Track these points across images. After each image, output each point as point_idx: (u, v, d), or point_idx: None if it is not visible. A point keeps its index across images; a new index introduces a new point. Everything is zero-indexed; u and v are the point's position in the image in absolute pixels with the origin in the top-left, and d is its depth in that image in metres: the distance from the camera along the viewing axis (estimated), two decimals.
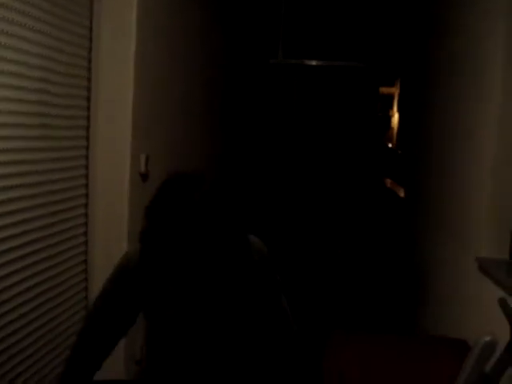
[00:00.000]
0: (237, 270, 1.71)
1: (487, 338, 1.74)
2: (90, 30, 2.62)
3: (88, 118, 2.66)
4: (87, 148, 2.68)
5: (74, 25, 2.47)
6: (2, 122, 2.01)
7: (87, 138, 2.68)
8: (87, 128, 2.67)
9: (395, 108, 7.71)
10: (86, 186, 2.70)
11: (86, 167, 2.69)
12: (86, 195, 2.71)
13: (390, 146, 7.69)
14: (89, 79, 2.64)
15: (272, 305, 1.82)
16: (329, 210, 6.64)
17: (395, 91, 7.61)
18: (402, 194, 5.16)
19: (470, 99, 2.83)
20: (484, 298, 2.39)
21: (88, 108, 2.66)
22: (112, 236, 2.74)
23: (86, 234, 2.73)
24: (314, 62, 6.55)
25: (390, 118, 8.00)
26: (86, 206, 2.71)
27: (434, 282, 3.37)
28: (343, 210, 6.60)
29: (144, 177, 2.87)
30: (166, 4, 3.09)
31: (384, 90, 7.38)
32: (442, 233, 3.23)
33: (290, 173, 6.74)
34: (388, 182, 6.60)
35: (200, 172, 1.69)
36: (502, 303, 1.78)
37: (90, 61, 2.63)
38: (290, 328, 1.85)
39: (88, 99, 2.65)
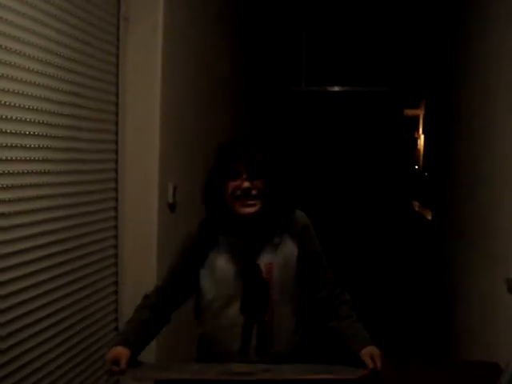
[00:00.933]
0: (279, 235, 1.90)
1: None
2: (117, 66, 2.70)
3: (116, 151, 2.73)
4: (116, 181, 2.74)
5: (100, 61, 2.56)
6: (36, 158, 2.08)
7: (116, 170, 2.74)
8: (116, 161, 2.73)
9: (421, 129, 7.69)
10: (116, 218, 2.76)
11: (116, 199, 2.75)
12: (116, 227, 2.76)
13: (416, 167, 7.65)
14: (116, 113, 2.72)
15: (316, 272, 1.93)
16: (356, 233, 6.61)
17: (420, 113, 7.60)
18: (429, 217, 5.11)
19: (496, 122, 2.82)
20: None
21: (116, 142, 2.73)
22: (141, 267, 2.78)
23: (116, 264, 2.77)
24: (336, 88, 6.60)
25: (415, 139, 7.98)
26: (115, 237, 2.76)
27: (465, 304, 3.34)
28: (370, 233, 6.57)
29: (172, 207, 2.92)
30: (190, 41, 3.17)
31: (409, 111, 7.37)
32: (472, 255, 3.21)
33: (316, 198, 6.75)
34: (416, 204, 6.56)
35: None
36: None
37: (117, 95, 2.72)
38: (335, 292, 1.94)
39: (116, 133, 2.72)
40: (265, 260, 1.85)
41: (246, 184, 1.80)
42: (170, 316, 1.95)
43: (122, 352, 1.74)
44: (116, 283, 2.78)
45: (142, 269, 2.77)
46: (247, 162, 1.81)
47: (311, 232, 1.95)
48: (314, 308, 1.96)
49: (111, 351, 1.76)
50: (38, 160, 2.09)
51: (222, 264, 1.87)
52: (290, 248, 1.89)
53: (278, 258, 1.86)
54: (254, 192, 1.81)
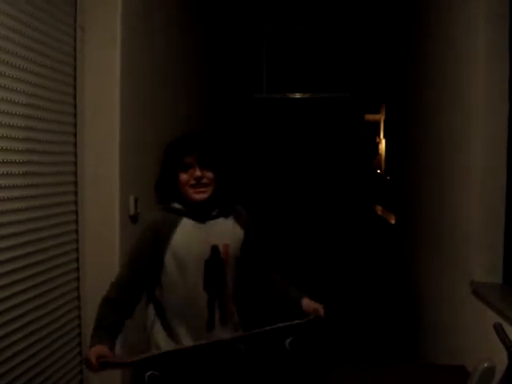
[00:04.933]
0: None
1: (485, 364, 1.73)
2: (74, 77, 2.65)
3: (75, 163, 2.67)
4: (76, 193, 2.69)
5: (56, 72, 2.50)
6: None
7: (75, 183, 2.68)
8: (75, 173, 2.68)
9: (382, 134, 7.76)
10: (76, 231, 2.70)
11: (76, 212, 2.69)
12: (77, 240, 2.70)
13: (378, 172, 7.72)
14: (75, 125, 2.66)
15: (257, 252, 2.25)
16: (319, 238, 6.63)
17: (381, 118, 7.67)
18: (392, 221, 5.13)
19: (453, 124, 2.86)
20: (480, 323, 2.38)
21: (75, 154, 2.67)
22: (103, 280, 2.72)
23: (78, 279, 2.71)
24: (297, 95, 6.62)
25: (377, 144, 8.05)
26: (76, 250, 2.70)
27: (430, 308, 3.36)
28: (333, 237, 6.59)
29: (133, 218, 2.87)
30: (149, 50, 3.13)
31: (370, 117, 7.43)
32: (435, 259, 3.23)
33: (280, 203, 6.74)
34: (379, 209, 6.60)
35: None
36: (497, 328, 1.77)
37: (75, 107, 2.66)
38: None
39: (75, 145, 2.66)
40: (222, 241, 2.04)
41: (198, 173, 2.02)
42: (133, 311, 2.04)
43: (102, 348, 1.81)
44: (78, 298, 2.72)
45: (103, 282, 2.72)
46: (198, 155, 2.04)
47: (252, 223, 2.24)
48: (253, 279, 2.26)
49: (93, 350, 1.80)
50: None
51: (183, 246, 2.00)
52: (238, 233, 2.14)
53: (231, 240, 2.09)
54: (204, 180, 2.03)
